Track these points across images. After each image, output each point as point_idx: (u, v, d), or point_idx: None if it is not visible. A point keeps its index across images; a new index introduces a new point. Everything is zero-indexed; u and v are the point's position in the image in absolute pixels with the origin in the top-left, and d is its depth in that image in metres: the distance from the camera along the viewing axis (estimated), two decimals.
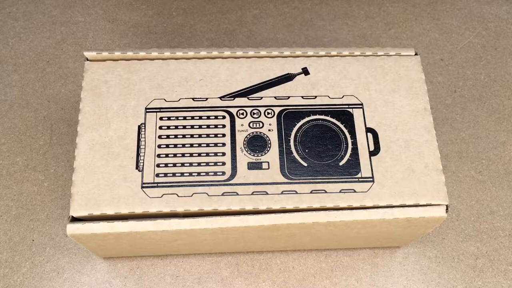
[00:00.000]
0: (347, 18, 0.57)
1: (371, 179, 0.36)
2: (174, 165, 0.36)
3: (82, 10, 0.57)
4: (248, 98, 0.38)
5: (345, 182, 0.36)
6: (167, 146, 0.37)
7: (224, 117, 0.38)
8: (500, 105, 0.52)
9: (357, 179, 0.36)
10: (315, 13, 0.57)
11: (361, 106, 0.38)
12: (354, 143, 0.37)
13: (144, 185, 0.35)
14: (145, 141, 0.36)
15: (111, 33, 0.56)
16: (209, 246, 0.41)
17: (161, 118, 0.37)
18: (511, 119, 0.51)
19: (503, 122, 0.51)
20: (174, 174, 0.36)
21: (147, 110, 0.37)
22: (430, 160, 0.36)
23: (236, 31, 0.56)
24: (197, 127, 0.37)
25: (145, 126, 0.37)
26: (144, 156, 0.36)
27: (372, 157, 0.37)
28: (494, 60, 0.54)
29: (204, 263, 0.44)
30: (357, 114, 0.38)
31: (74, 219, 0.35)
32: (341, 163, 0.37)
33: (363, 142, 0.37)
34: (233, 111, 0.38)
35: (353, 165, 0.36)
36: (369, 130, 0.38)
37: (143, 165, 0.36)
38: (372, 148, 0.37)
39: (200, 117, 0.37)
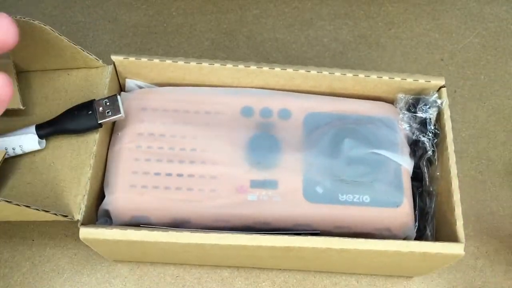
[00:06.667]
0: (347, 18, 0.57)
1: None
2: None
3: (82, 10, 0.57)
4: None
5: None
6: None
7: None
8: (500, 105, 0.52)
9: None
10: (315, 13, 0.57)
11: None
12: None
13: None
14: None
15: (111, 33, 0.56)
16: (218, 260, 0.41)
17: None
18: (511, 119, 0.51)
19: (503, 122, 0.51)
20: None
21: None
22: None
23: (236, 31, 0.56)
24: None
25: None
26: None
27: None
28: (494, 60, 0.54)
29: None
30: None
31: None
32: None
33: None
34: None
35: None
36: None
37: None
38: None
39: None
